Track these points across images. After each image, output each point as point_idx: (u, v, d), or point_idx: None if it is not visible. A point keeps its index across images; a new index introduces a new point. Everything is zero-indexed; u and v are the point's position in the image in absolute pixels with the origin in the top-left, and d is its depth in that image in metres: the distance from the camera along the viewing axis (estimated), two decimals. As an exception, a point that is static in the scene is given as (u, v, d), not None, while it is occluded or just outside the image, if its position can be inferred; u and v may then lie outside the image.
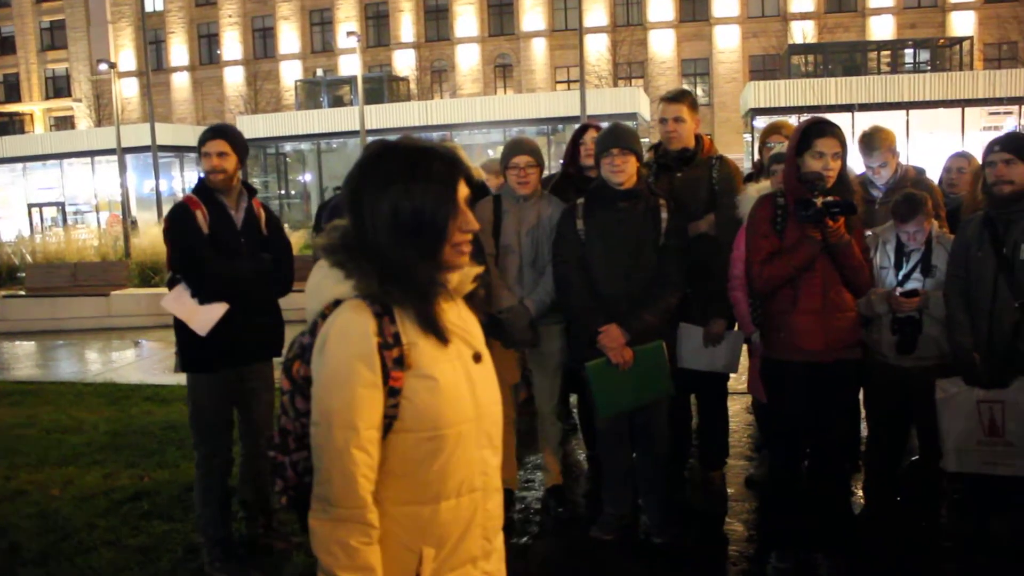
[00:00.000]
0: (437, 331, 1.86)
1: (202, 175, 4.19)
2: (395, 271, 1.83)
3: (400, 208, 1.83)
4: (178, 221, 4.09)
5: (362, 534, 1.78)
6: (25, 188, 39.31)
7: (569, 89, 38.44)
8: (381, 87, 39.94)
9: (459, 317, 1.94)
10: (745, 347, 4.81)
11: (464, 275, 1.95)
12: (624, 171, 4.13)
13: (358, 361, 1.78)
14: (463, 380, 1.89)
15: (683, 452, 5.15)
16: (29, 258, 20.30)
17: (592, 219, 4.23)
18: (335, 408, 1.78)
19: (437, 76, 45.48)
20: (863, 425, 5.03)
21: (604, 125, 4.94)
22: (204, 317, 4.03)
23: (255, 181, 34.34)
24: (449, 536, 1.88)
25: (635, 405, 4.21)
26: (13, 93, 52.61)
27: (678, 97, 4.68)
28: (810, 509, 3.99)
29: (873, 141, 4.85)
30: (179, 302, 4.08)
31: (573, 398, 5.94)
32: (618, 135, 4.18)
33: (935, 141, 27.41)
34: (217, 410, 4.18)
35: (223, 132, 4.17)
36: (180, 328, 4.13)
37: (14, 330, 15.67)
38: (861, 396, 4.91)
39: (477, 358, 1.95)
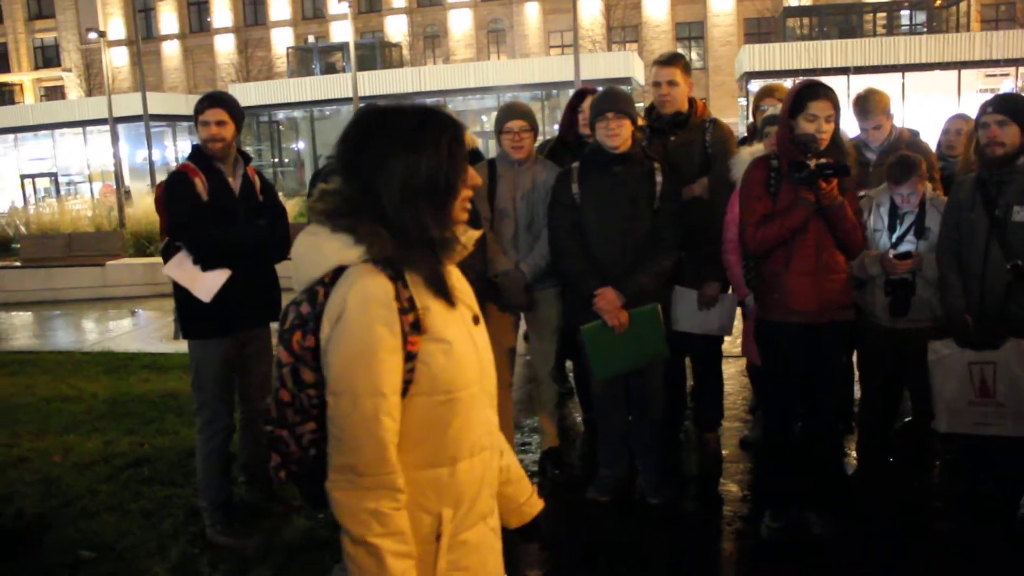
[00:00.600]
0: (446, 294, 1.87)
1: (196, 143, 4.19)
2: (409, 233, 1.82)
3: (414, 169, 1.82)
4: (178, 188, 4.08)
5: (392, 499, 1.77)
6: (17, 159, 39.18)
7: (563, 54, 38.19)
8: (373, 53, 39.67)
9: (458, 280, 1.96)
10: (739, 310, 4.84)
11: (470, 237, 1.94)
12: (619, 135, 4.13)
13: (381, 326, 1.76)
14: (469, 342, 1.91)
15: (678, 414, 5.20)
16: (23, 229, 20.24)
17: (587, 183, 4.24)
18: (360, 375, 1.75)
19: (430, 42, 45.16)
20: (856, 387, 5.09)
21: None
22: (207, 283, 4.05)
23: (248, 149, 34.14)
24: (465, 496, 1.91)
25: (631, 367, 4.24)
26: (2, 63, 52.14)
27: (671, 60, 4.67)
28: (804, 470, 4.04)
29: (867, 104, 4.85)
30: (181, 269, 4.08)
31: (569, 362, 5.99)
32: (612, 99, 4.18)
33: (931, 104, 27.34)
34: (218, 376, 4.21)
35: (221, 100, 4.16)
36: (181, 295, 4.15)
37: (10, 301, 15.66)
38: (854, 358, 4.97)
39: (476, 320, 1.97)
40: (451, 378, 1.85)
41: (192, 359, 4.24)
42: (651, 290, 4.18)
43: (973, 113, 4.25)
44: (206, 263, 4.06)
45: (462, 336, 1.90)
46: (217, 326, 4.12)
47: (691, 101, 4.73)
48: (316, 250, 1.85)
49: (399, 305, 1.78)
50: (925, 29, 35.08)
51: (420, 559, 1.85)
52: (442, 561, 1.89)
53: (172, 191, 4.11)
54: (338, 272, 1.81)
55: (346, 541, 1.80)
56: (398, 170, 1.82)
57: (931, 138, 5.31)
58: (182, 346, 4.32)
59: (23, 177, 38.31)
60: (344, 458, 1.77)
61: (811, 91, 3.73)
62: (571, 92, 5.43)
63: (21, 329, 11.80)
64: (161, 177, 4.88)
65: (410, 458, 1.83)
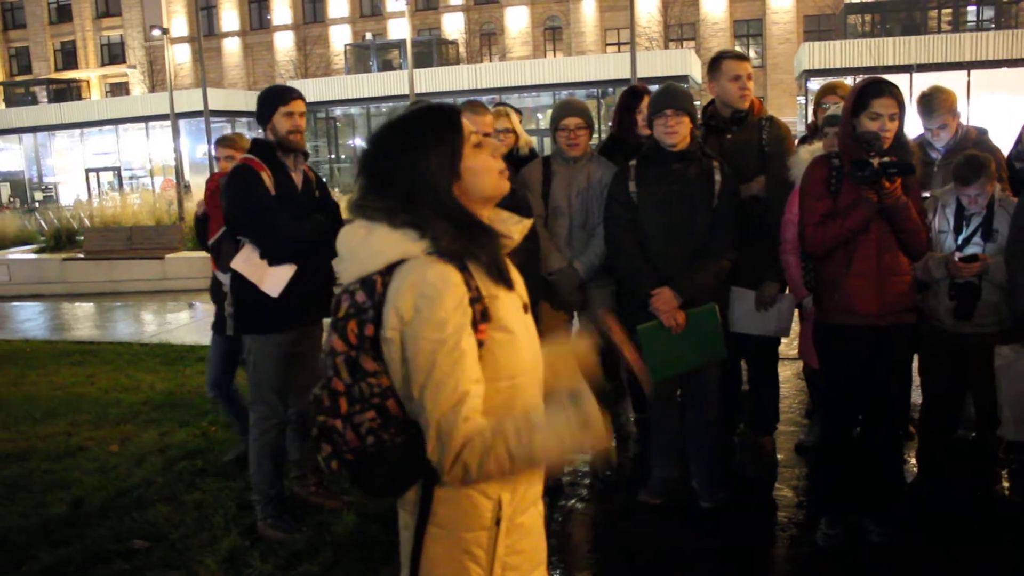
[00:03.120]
0: (508, 281, 1.91)
1: (257, 137, 4.21)
2: (468, 225, 1.87)
3: (454, 161, 1.89)
4: (246, 183, 4.05)
5: (500, 449, 1.77)
6: (83, 153, 40.16)
7: (619, 51, 37.99)
8: (430, 51, 39.87)
9: (511, 269, 1.98)
10: (796, 312, 4.74)
11: (523, 227, 1.99)
12: (678, 132, 4.07)
13: (461, 315, 1.78)
14: (525, 330, 1.95)
15: (733, 417, 5.11)
16: (87, 222, 20.75)
17: (644, 181, 4.18)
18: (448, 371, 1.76)
19: (486, 39, 45.24)
20: (915, 392, 4.96)
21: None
22: (276, 278, 4.05)
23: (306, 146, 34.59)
24: (521, 479, 1.93)
25: (687, 368, 4.17)
26: (70, 60, 53.51)
27: (745, 56, 4.72)
28: (861, 476, 3.94)
29: (932, 102, 4.71)
30: (249, 263, 4.07)
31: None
32: (672, 96, 4.11)
33: (997, 102, 26.62)
34: (277, 371, 4.21)
35: (301, 93, 4.21)
36: (240, 290, 4.15)
37: (74, 292, 16.07)
38: (915, 362, 4.83)
39: (526, 308, 2.00)
40: (513, 364, 1.88)
41: (250, 354, 4.24)
42: (709, 290, 4.11)
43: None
44: (276, 258, 4.05)
45: (521, 324, 1.93)
46: (279, 321, 4.13)
47: (749, 99, 4.66)
48: (369, 245, 1.87)
49: (470, 295, 1.81)
50: (992, 25, 34.17)
51: (480, 544, 1.88)
52: (501, 546, 1.91)
53: (241, 185, 4.07)
54: (394, 265, 1.83)
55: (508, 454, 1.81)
56: (445, 164, 1.88)
57: (998, 137, 5.11)
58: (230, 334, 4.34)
59: (88, 171, 39.26)
60: (451, 459, 1.77)
61: (875, 88, 3.62)
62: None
63: (83, 320, 12.08)
64: (220, 172, 4.91)
65: None
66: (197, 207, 5.32)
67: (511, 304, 1.91)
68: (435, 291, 1.77)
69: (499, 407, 1.85)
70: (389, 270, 1.83)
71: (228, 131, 35.31)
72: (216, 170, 5.64)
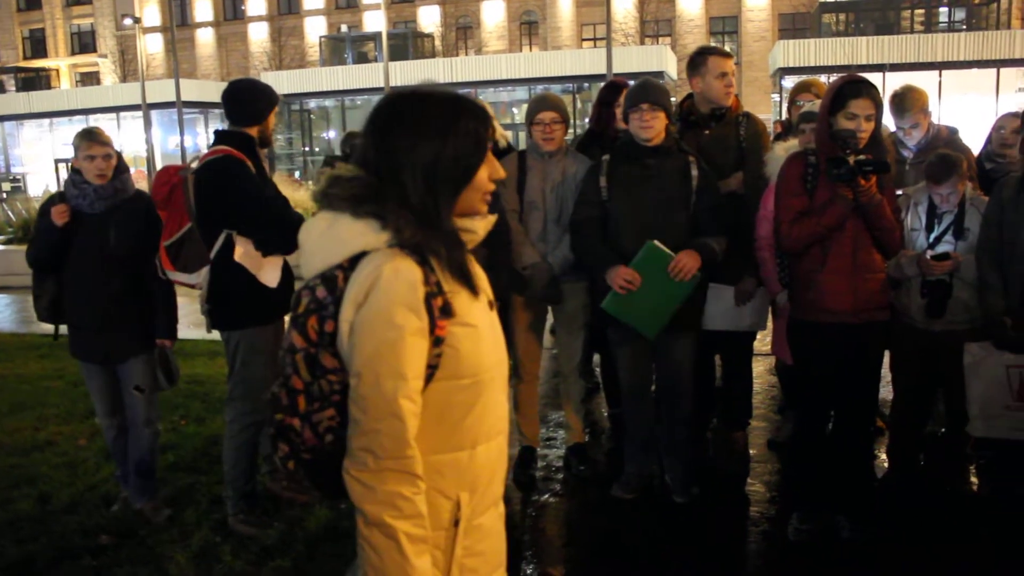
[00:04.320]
0: (469, 279, 1.85)
1: (223, 128, 4.17)
2: (432, 219, 1.80)
3: (442, 156, 1.80)
4: (242, 175, 3.95)
5: (411, 484, 1.75)
6: (52, 143, 39.63)
7: (595, 47, 38.04)
8: (406, 43, 39.73)
9: (473, 265, 1.93)
10: (770, 308, 4.76)
11: (488, 223, 1.93)
12: (653, 127, 4.06)
13: (407, 309, 1.73)
14: (490, 326, 1.91)
15: (706, 412, 5.13)
16: (56, 213, 20.41)
17: (616, 176, 4.18)
18: (384, 356, 1.72)
19: (462, 33, 45.11)
20: (885, 388, 5.00)
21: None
22: (272, 270, 4.02)
23: (279, 138, 34.37)
24: (481, 479, 1.90)
25: (673, 309, 4.09)
26: (39, 48, 52.76)
27: (730, 53, 4.75)
28: (833, 472, 3.97)
29: (904, 102, 4.74)
30: (249, 256, 3.98)
31: (596, 357, 5.93)
32: (648, 90, 4.11)
33: (967, 102, 26.92)
34: (268, 366, 4.08)
35: None
36: (231, 285, 4.00)
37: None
38: (886, 359, 4.87)
39: (491, 305, 1.96)
40: (476, 361, 1.84)
41: (240, 349, 4.11)
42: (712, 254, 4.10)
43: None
44: (275, 248, 3.99)
45: (484, 320, 1.89)
46: (274, 311, 4.08)
47: (727, 95, 4.67)
48: (332, 236, 1.81)
49: (428, 289, 1.76)
50: (964, 26, 34.54)
51: (437, 545, 1.84)
52: (459, 547, 1.88)
53: (235, 178, 3.94)
54: (357, 258, 1.78)
55: (361, 523, 1.78)
56: (428, 157, 1.80)
57: (968, 137, 5.15)
58: (206, 334, 4.28)
59: (57, 162, 38.72)
60: (364, 440, 1.74)
61: (853, 88, 3.63)
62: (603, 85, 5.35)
63: (52, 312, 11.90)
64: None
65: (432, 443, 1.82)
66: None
67: (474, 300, 1.87)
68: (386, 282, 1.73)
69: (463, 404, 1.84)
70: (352, 264, 1.78)
71: (200, 122, 34.68)
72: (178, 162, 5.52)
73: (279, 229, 3.92)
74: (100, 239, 4.14)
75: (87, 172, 4.13)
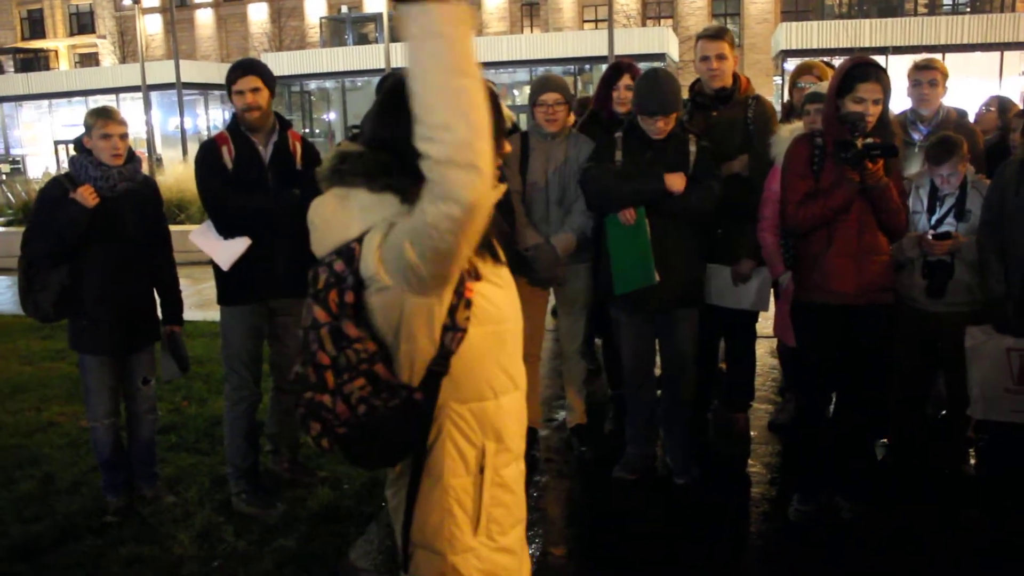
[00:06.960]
0: (492, 247, 1.94)
1: (233, 113, 4.15)
2: None
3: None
4: (204, 158, 4.09)
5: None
6: (51, 125, 39.51)
7: (597, 28, 37.81)
8: (406, 25, 39.42)
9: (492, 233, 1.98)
10: (772, 290, 4.76)
11: (498, 192, 1.86)
12: (664, 131, 4.09)
13: None
14: (509, 283, 2.00)
15: (707, 394, 5.14)
16: (56, 194, 20.37)
17: (627, 156, 4.18)
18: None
19: (463, 14, 44.81)
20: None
21: (639, 66, 4.85)
22: (227, 252, 4.07)
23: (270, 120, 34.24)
24: (505, 431, 1.96)
25: (647, 245, 4.13)
26: (37, 29, 52.43)
27: (719, 34, 4.58)
28: (834, 453, 3.98)
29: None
30: (205, 237, 4.12)
31: (598, 339, 5.94)
32: (663, 100, 4.03)
33: (970, 86, 26.80)
34: (245, 344, 4.21)
35: (253, 67, 4.12)
36: (213, 262, 4.17)
37: (43, 265, 15.80)
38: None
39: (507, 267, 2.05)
40: (500, 309, 1.92)
41: (222, 325, 4.25)
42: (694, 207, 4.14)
43: (1015, 96, 4.12)
44: (227, 231, 4.06)
45: (506, 279, 1.99)
46: (243, 293, 4.12)
47: (735, 76, 4.63)
48: (345, 212, 1.83)
49: None
50: (968, 9, 34.32)
51: (466, 491, 1.91)
52: (486, 494, 1.93)
53: (199, 161, 4.11)
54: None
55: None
56: None
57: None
58: (210, 313, 4.31)
59: (56, 143, 38.61)
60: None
61: (862, 71, 3.60)
62: (604, 68, 5.32)
63: (53, 293, 11.89)
64: (193, 146, 4.74)
65: (461, 393, 1.88)
66: None
67: (497, 265, 1.96)
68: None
69: (488, 352, 1.90)
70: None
71: (200, 104, 34.42)
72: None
73: (219, 215, 4.07)
74: (119, 224, 4.03)
75: (101, 152, 3.95)
